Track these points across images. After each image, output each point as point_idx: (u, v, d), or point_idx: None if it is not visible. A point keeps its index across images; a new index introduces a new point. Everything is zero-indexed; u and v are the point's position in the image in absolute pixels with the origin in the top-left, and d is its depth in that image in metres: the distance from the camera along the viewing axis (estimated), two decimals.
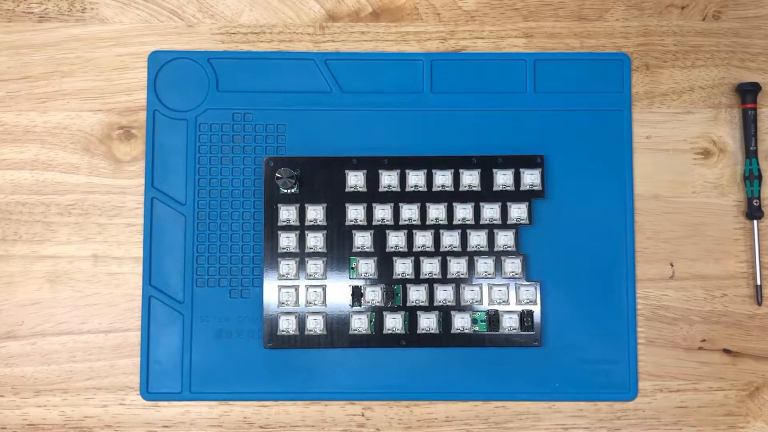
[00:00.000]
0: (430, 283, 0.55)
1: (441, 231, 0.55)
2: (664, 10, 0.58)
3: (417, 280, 0.55)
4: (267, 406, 0.55)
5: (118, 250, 0.56)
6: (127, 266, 0.56)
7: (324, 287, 0.55)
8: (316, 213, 0.55)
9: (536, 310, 0.54)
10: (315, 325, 0.54)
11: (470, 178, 0.55)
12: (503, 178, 0.55)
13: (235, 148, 0.56)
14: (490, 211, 0.55)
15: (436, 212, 0.55)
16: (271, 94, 0.57)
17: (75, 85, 0.57)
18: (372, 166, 0.56)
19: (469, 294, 0.55)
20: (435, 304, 0.55)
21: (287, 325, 0.54)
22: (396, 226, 0.55)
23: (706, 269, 0.56)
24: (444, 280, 0.55)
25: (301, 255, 0.55)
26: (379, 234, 0.55)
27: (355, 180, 0.55)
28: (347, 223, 0.55)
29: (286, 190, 0.55)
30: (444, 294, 0.55)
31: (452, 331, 0.54)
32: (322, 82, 0.57)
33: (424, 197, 0.55)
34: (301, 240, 0.55)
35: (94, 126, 0.57)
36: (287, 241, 0.55)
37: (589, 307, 0.55)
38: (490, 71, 0.57)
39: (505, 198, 0.55)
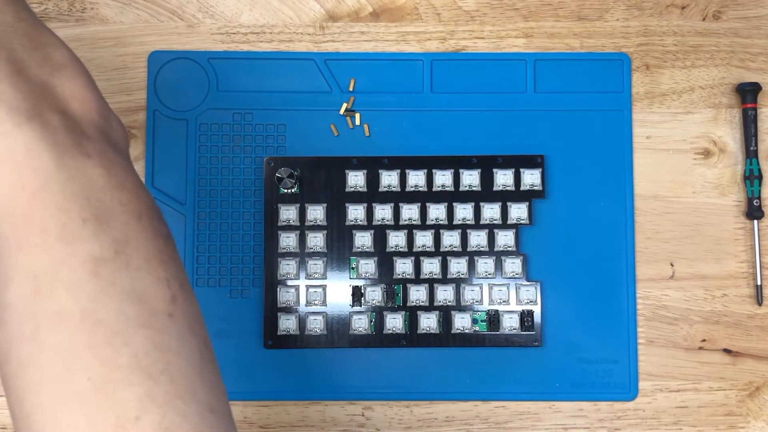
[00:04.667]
0: (431, 283, 0.55)
1: (441, 231, 0.55)
2: (664, 10, 0.58)
3: (417, 280, 0.55)
4: (267, 406, 0.55)
5: None
6: None
7: (324, 287, 0.55)
8: (316, 213, 0.55)
9: (536, 310, 0.54)
10: (315, 325, 0.54)
11: (470, 178, 0.55)
12: (503, 178, 0.55)
13: (235, 148, 0.56)
14: (490, 211, 0.55)
15: (436, 212, 0.55)
16: (271, 94, 0.57)
17: None
18: (372, 166, 0.56)
19: (469, 294, 0.55)
20: (435, 304, 0.55)
21: (287, 325, 0.54)
22: (396, 226, 0.55)
23: (706, 269, 0.56)
24: (444, 280, 0.55)
25: (301, 255, 0.55)
26: (380, 234, 0.55)
27: (355, 180, 0.55)
28: (347, 223, 0.55)
29: (286, 190, 0.55)
30: (444, 294, 0.55)
31: (452, 331, 0.54)
32: (322, 82, 0.57)
33: (424, 197, 0.55)
34: (301, 240, 0.55)
35: None
36: (287, 241, 0.55)
37: (589, 307, 0.55)
38: (490, 71, 0.57)
39: (505, 198, 0.55)
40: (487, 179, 0.55)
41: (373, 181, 0.55)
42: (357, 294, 0.55)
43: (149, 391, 0.28)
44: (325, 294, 0.55)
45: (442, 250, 0.55)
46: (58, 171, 0.29)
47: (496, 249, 0.55)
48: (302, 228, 0.55)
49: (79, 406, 0.27)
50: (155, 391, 0.28)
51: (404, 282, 0.55)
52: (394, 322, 0.54)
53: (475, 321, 0.55)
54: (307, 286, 0.55)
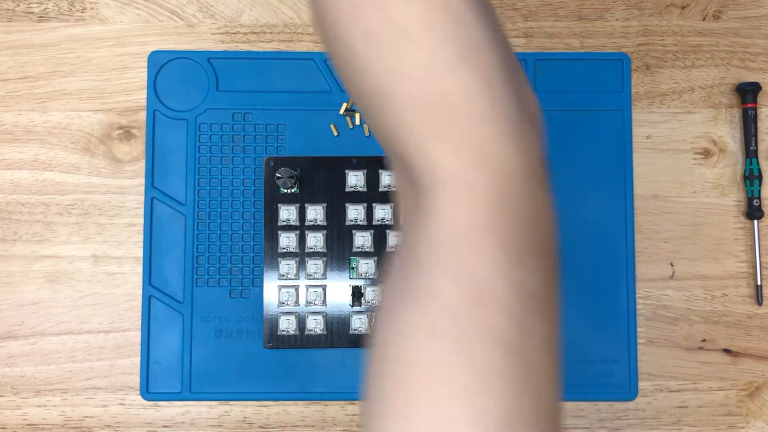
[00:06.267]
0: None
1: None
2: (664, 10, 0.58)
3: None
4: (267, 406, 0.55)
5: (118, 250, 0.56)
6: (127, 266, 0.56)
7: (324, 287, 0.55)
8: (316, 213, 0.55)
9: None
10: (315, 325, 0.54)
11: None
12: None
13: (235, 148, 0.56)
14: None
15: None
16: (271, 94, 0.57)
17: (75, 85, 0.57)
18: (372, 166, 0.56)
19: None
20: None
21: (287, 325, 0.54)
22: (396, 226, 0.55)
23: (706, 269, 0.56)
24: None
25: (301, 255, 0.55)
26: (379, 234, 0.55)
27: (355, 180, 0.55)
28: (347, 223, 0.55)
29: (286, 190, 0.55)
30: None
31: None
32: (322, 82, 0.57)
33: None
34: (301, 240, 0.55)
35: (94, 126, 0.57)
36: (287, 241, 0.55)
37: (589, 307, 0.55)
38: None
39: None
40: None
41: (373, 181, 0.55)
42: (357, 294, 0.55)
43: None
44: (325, 294, 0.55)
45: None
46: (524, 192, 0.28)
47: None
48: (302, 228, 0.55)
49: (477, 428, 0.26)
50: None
51: None
52: None
53: None
54: (307, 286, 0.55)
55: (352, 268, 0.55)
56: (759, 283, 0.56)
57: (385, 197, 0.55)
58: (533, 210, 0.28)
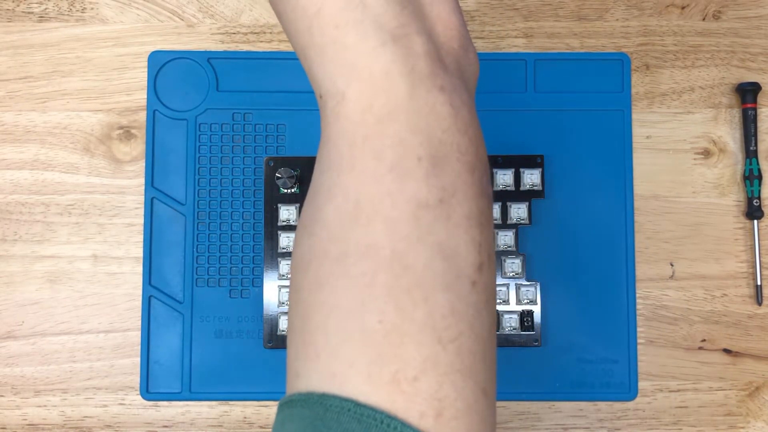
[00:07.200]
0: None
1: None
2: (664, 10, 0.58)
3: None
4: (267, 406, 0.55)
5: (118, 250, 0.56)
6: (127, 266, 0.56)
7: None
8: None
9: (536, 310, 0.54)
10: None
11: None
12: (503, 178, 0.55)
13: (235, 148, 0.56)
14: None
15: None
16: (271, 94, 0.57)
17: (75, 85, 0.57)
18: None
19: None
20: None
21: (287, 325, 0.54)
22: None
23: (706, 269, 0.56)
24: None
25: None
26: None
27: None
28: None
29: (286, 190, 0.55)
30: None
31: None
32: None
33: None
34: None
35: (94, 126, 0.57)
36: (287, 241, 0.55)
37: (589, 307, 0.55)
38: (490, 71, 0.57)
39: (505, 198, 0.55)
40: None
41: None
42: None
43: (434, 356, 0.25)
44: None
45: None
46: (409, 100, 0.26)
47: (496, 249, 0.55)
48: None
49: (362, 345, 0.25)
50: (440, 358, 0.25)
51: None
52: None
53: None
54: None
55: None
56: (759, 283, 0.56)
57: None
58: (425, 117, 0.27)
